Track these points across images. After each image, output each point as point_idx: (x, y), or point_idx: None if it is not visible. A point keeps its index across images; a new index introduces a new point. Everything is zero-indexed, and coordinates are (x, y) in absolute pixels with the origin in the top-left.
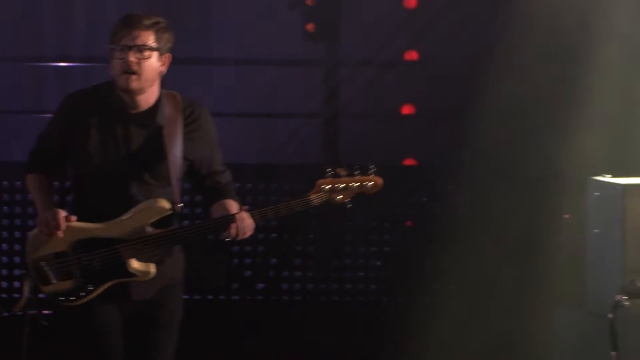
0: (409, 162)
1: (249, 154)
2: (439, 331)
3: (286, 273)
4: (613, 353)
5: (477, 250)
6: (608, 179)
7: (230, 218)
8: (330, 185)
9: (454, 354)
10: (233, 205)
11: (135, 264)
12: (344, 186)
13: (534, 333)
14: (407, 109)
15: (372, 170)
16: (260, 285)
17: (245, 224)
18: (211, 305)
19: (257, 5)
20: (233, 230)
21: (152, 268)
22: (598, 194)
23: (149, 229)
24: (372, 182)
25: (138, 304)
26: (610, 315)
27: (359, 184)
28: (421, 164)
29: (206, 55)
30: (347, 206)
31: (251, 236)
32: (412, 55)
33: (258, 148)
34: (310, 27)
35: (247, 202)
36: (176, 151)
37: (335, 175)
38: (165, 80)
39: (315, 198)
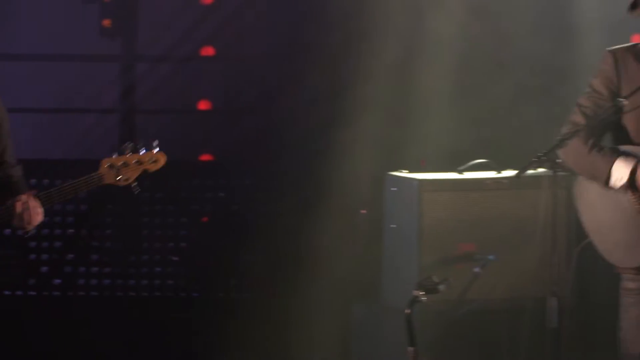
0: (205, 157)
1: (45, 150)
2: (236, 327)
3: (83, 269)
4: (410, 348)
5: (274, 246)
6: (404, 174)
7: (16, 198)
8: (110, 163)
9: (251, 351)
10: None
11: None
12: (123, 163)
13: (331, 328)
14: (203, 105)
15: (155, 147)
16: (57, 281)
17: (32, 204)
18: (7, 301)
19: (53, 0)
20: (19, 207)
21: None
22: (395, 189)
23: None
24: (153, 159)
25: None
26: (407, 311)
27: (137, 160)
28: (218, 159)
29: (1, 51)
30: (135, 191)
31: (48, 232)
32: (208, 50)
33: (54, 144)
34: (106, 22)
35: None
36: None
37: (120, 153)
38: None
39: (97, 176)
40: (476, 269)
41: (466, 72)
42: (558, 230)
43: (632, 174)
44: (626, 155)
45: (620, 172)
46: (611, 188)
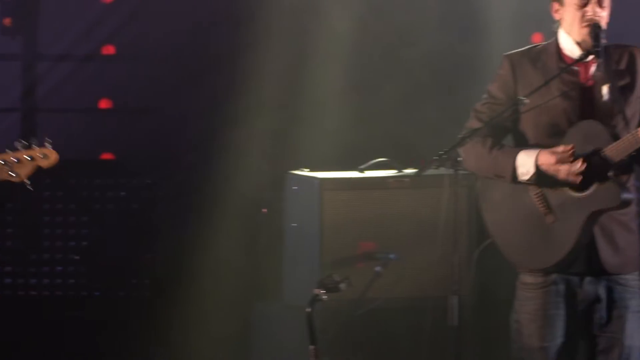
0: (106, 156)
1: None
2: (138, 326)
3: None
4: (311, 347)
5: (175, 245)
6: (305, 172)
7: None
8: (1, 159)
9: (152, 350)
10: None
11: None
12: (16, 159)
13: (233, 327)
14: (104, 104)
15: (48, 143)
16: None
17: None
18: None
19: None
20: None
21: None
22: (296, 188)
23: None
24: (45, 154)
25: None
26: (308, 309)
27: (30, 157)
28: (119, 158)
29: None
30: (27, 185)
31: None
32: (109, 49)
33: None
34: (7, 21)
35: None
36: None
37: (12, 150)
38: None
39: None
40: (377, 268)
41: (367, 69)
42: (459, 229)
43: (536, 164)
44: (526, 148)
45: (525, 165)
46: (519, 183)
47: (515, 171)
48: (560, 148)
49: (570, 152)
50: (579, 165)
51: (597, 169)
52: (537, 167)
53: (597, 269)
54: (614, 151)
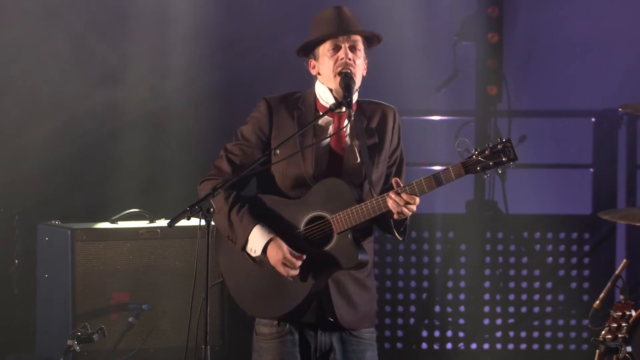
0: None
1: None
2: None
3: None
4: None
5: None
6: (56, 224)
7: None
8: None
9: None
10: None
11: None
12: None
13: None
14: None
15: None
16: None
17: None
18: None
19: None
20: None
21: None
22: (48, 239)
23: None
24: None
25: None
26: None
27: None
28: None
29: None
30: None
31: None
32: None
33: None
34: None
35: None
36: None
37: None
38: None
39: None
40: (130, 319)
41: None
42: (210, 280)
43: (265, 249)
44: (264, 225)
45: (256, 243)
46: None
47: (246, 245)
48: (290, 255)
49: (298, 262)
50: (295, 273)
51: (336, 228)
52: (264, 250)
53: (333, 324)
54: (355, 214)
